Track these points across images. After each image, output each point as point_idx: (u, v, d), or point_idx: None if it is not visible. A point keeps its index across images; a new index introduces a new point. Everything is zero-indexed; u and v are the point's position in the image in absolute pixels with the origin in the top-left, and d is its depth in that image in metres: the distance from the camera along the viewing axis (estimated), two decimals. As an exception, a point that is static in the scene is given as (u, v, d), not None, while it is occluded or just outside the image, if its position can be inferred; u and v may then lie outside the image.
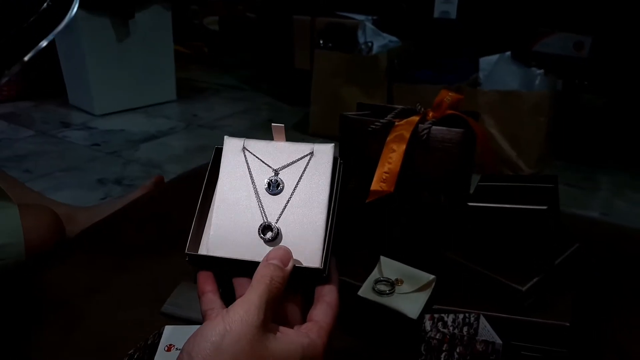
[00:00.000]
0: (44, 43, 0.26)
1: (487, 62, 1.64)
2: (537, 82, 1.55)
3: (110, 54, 2.24)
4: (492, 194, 0.56)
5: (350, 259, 0.65)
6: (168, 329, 0.54)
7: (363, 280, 0.61)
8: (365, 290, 0.59)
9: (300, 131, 2.04)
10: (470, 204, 0.54)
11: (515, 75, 1.56)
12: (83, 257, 0.76)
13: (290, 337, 0.36)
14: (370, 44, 1.86)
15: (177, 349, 0.52)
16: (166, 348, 0.52)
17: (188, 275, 0.71)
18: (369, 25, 1.90)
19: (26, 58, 0.26)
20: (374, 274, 0.62)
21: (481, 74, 1.65)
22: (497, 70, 1.59)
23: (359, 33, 1.90)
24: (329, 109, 1.93)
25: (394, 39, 1.90)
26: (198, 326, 0.54)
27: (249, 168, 0.45)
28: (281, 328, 0.37)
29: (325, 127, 1.87)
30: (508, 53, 1.64)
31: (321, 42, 1.94)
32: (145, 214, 0.90)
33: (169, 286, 0.68)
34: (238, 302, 0.36)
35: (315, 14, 2.14)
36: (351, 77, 1.86)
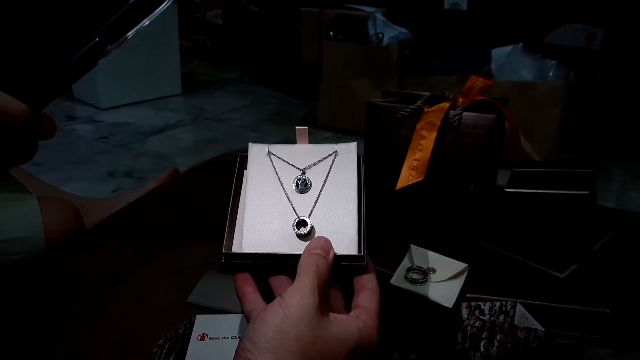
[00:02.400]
0: (146, 22, 0.27)
1: (499, 53, 1.63)
2: (551, 73, 1.54)
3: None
4: (528, 180, 0.55)
5: (378, 248, 0.64)
6: (200, 318, 0.53)
7: (393, 269, 0.60)
8: (397, 279, 0.58)
9: (309, 125, 2.02)
10: (507, 190, 0.53)
11: (529, 66, 1.55)
12: (105, 247, 0.75)
13: (345, 321, 0.36)
14: (380, 35, 1.84)
15: (210, 338, 0.51)
16: (199, 337, 0.51)
17: (212, 265, 0.70)
18: (379, 16, 1.88)
19: (129, 35, 0.27)
20: (405, 263, 0.61)
21: (493, 65, 1.64)
22: (510, 62, 1.58)
23: (369, 24, 1.88)
24: (338, 101, 1.91)
25: (404, 30, 1.88)
26: (231, 315, 0.54)
27: (275, 170, 0.46)
28: (332, 314, 0.37)
29: (335, 120, 1.86)
30: (520, 44, 1.63)
31: (331, 33, 1.92)
32: (164, 205, 0.89)
33: (193, 276, 0.67)
34: (291, 289, 0.36)
35: (322, 6, 2.12)
36: (362, 68, 1.85)
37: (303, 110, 2.28)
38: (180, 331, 0.53)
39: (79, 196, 1.01)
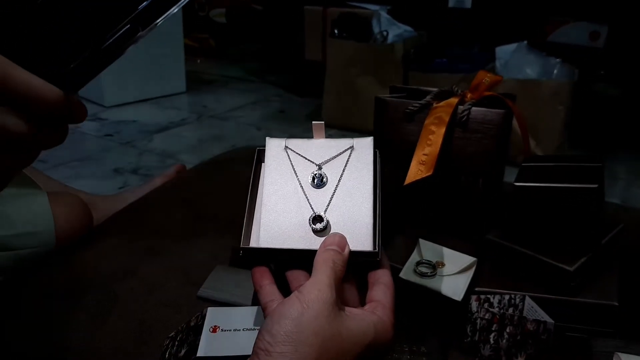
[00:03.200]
0: (175, 9, 0.27)
1: (503, 51, 1.63)
2: (555, 71, 1.54)
3: (120, 45, 2.23)
4: (537, 174, 0.55)
5: (387, 242, 0.64)
6: (211, 311, 0.54)
7: (402, 263, 0.60)
8: (406, 273, 0.59)
9: (315, 120, 2.02)
10: (517, 184, 0.54)
11: (533, 64, 1.55)
12: (114, 242, 0.76)
13: (361, 315, 0.37)
14: (385, 33, 1.84)
15: (222, 330, 0.51)
16: (211, 329, 0.51)
17: (221, 259, 0.71)
18: (383, 14, 1.88)
19: (159, 21, 0.27)
20: (414, 257, 0.61)
21: (498, 63, 1.64)
22: (514, 59, 1.58)
23: (374, 22, 1.88)
24: (342, 99, 1.92)
25: (408, 28, 1.89)
26: (242, 308, 0.55)
27: (292, 164, 0.46)
28: (348, 308, 0.38)
29: (339, 118, 1.86)
30: (525, 42, 1.63)
31: (335, 31, 1.93)
32: (173, 200, 0.90)
33: (202, 270, 0.68)
34: (308, 283, 0.37)
35: (326, 4, 2.13)
36: (366, 66, 1.85)
37: (307, 108, 2.29)
38: (192, 323, 0.54)
39: (84, 192, 1.02)
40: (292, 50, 2.44)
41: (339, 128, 1.87)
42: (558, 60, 1.58)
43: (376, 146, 0.46)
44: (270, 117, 2.19)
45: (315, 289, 0.35)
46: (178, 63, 2.50)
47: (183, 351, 0.51)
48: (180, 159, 1.70)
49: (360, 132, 1.86)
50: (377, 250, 0.41)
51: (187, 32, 2.90)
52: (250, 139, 1.88)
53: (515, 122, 0.65)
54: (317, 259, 0.38)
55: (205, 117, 2.20)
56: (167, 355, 0.52)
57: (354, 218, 0.43)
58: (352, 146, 0.47)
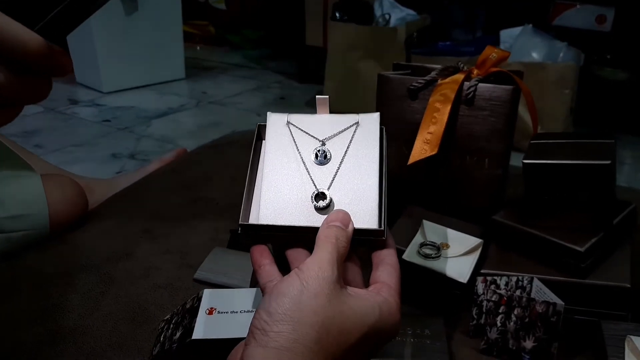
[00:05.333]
0: None
1: (508, 34, 1.60)
2: (561, 54, 1.50)
3: (118, 31, 2.20)
4: (546, 151, 0.53)
5: (390, 223, 0.62)
6: (207, 293, 0.52)
7: (406, 245, 0.58)
8: (410, 254, 0.57)
9: (314, 109, 2.00)
10: (525, 161, 0.52)
11: (539, 47, 1.52)
12: (110, 224, 0.74)
13: (365, 295, 0.35)
14: (387, 16, 1.81)
15: (219, 312, 0.49)
16: (207, 311, 0.49)
17: (218, 242, 0.69)
18: (386, -3, 1.85)
19: None
20: (418, 238, 0.59)
21: (502, 47, 1.60)
22: (519, 43, 1.55)
23: (376, 5, 1.85)
24: (344, 84, 1.89)
25: (411, 12, 1.85)
26: (240, 289, 0.53)
27: (294, 140, 0.44)
28: (351, 288, 0.36)
29: (341, 103, 1.83)
30: (530, 25, 1.59)
31: (337, 14, 1.89)
32: (170, 184, 0.88)
33: (199, 253, 0.66)
34: (309, 260, 0.35)
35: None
36: (368, 50, 1.82)
37: (308, 95, 2.26)
38: (188, 305, 0.52)
39: (80, 176, 1.00)
40: (293, 36, 2.41)
41: (340, 113, 1.85)
42: (564, 43, 1.54)
43: (382, 122, 0.44)
44: (270, 103, 2.16)
45: (315, 266, 0.34)
46: (177, 49, 2.47)
47: (178, 334, 0.49)
48: (178, 144, 1.67)
49: (362, 118, 1.83)
50: (382, 228, 0.39)
51: (187, 19, 2.86)
52: (250, 125, 1.85)
53: (520, 106, 0.63)
54: (319, 236, 0.37)
55: (205, 103, 2.17)
56: (162, 338, 0.50)
57: (359, 195, 0.41)
58: (358, 122, 0.45)
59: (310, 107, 2.04)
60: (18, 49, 0.25)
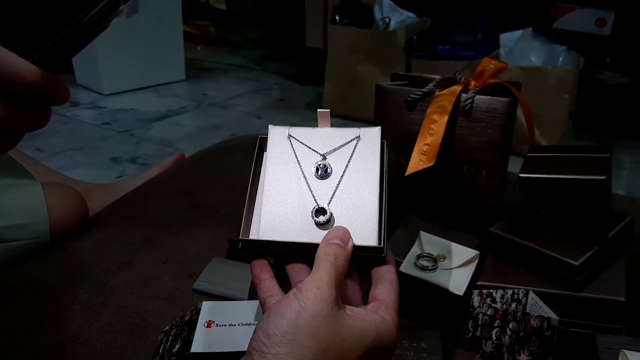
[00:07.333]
0: None
1: (508, 38, 1.60)
2: (561, 58, 1.51)
3: (118, 33, 2.20)
4: (542, 165, 0.53)
5: (388, 234, 0.63)
6: (206, 305, 0.52)
7: (402, 256, 0.59)
8: (406, 266, 0.57)
9: (314, 111, 2.00)
10: (521, 175, 0.52)
11: (539, 51, 1.52)
12: (109, 233, 0.75)
13: (362, 315, 0.35)
14: (387, 19, 1.81)
15: (217, 325, 0.50)
16: (206, 324, 0.50)
17: (217, 250, 0.69)
18: (386, 0, 1.85)
19: None
20: (415, 250, 0.59)
21: (502, 50, 1.61)
22: (519, 47, 1.55)
23: (376, 8, 1.85)
24: (344, 87, 1.89)
25: (411, 15, 1.85)
26: (238, 302, 0.53)
27: (295, 154, 0.44)
28: (349, 307, 0.36)
29: (341, 106, 1.83)
30: (530, 29, 1.59)
31: (337, 17, 1.89)
32: (170, 190, 0.88)
33: (199, 262, 0.66)
34: (308, 280, 0.35)
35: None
36: (368, 53, 1.82)
37: (308, 97, 2.26)
38: (187, 318, 0.52)
39: (80, 181, 1.00)
40: (293, 38, 2.41)
41: (340, 116, 1.85)
42: (563, 47, 1.54)
43: (383, 137, 0.44)
44: (270, 105, 2.17)
45: (314, 287, 0.34)
46: (177, 51, 2.47)
47: (177, 347, 0.49)
48: (179, 147, 1.68)
49: (362, 121, 1.83)
50: (382, 245, 0.40)
51: (187, 19, 2.86)
52: (250, 127, 1.86)
53: (519, 111, 0.63)
54: (319, 254, 0.37)
55: (205, 105, 2.18)
56: (160, 351, 0.50)
57: (359, 211, 0.41)
58: (359, 136, 0.45)
59: (309, 109, 2.04)
60: (15, 80, 0.25)
